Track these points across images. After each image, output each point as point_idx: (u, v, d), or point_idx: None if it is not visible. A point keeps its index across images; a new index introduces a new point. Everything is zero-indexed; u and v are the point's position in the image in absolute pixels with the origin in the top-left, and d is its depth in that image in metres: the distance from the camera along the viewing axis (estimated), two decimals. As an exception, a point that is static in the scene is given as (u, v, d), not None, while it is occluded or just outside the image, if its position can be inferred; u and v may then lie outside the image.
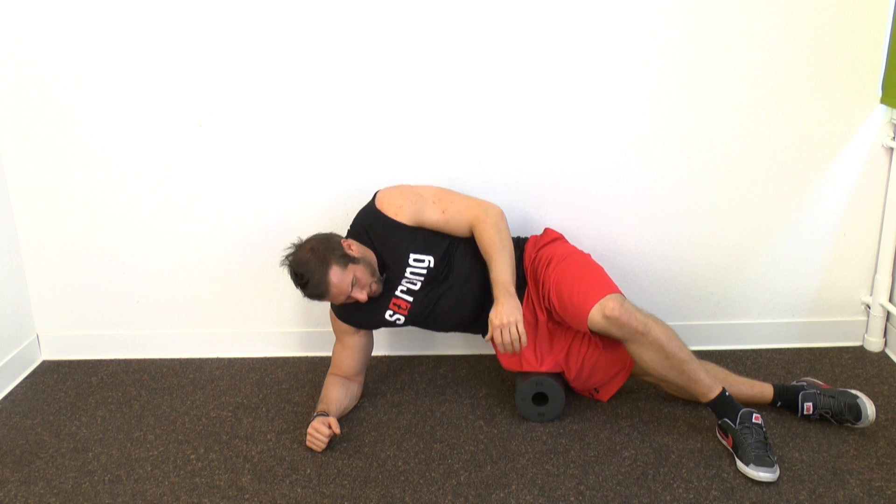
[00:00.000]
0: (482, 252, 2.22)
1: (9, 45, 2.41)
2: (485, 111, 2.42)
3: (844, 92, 2.38)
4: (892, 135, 2.41)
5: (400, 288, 2.25)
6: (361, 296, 2.16)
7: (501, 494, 1.99)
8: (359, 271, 2.14)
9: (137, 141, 2.49)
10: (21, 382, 2.61)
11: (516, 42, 2.35)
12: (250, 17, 2.35)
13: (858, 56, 2.34)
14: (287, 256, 2.18)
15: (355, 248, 2.18)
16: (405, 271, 2.23)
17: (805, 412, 2.19)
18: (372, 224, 2.22)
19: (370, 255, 2.22)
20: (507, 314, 2.05)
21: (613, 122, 2.41)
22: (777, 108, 2.39)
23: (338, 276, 2.11)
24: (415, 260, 2.21)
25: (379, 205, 2.23)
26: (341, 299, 2.17)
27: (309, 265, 2.11)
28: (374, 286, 2.19)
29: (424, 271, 2.23)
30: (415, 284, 2.24)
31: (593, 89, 2.39)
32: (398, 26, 2.34)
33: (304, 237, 2.22)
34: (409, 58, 2.37)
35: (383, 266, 2.24)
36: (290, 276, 2.17)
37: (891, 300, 2.54)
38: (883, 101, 2.38)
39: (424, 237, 2.23)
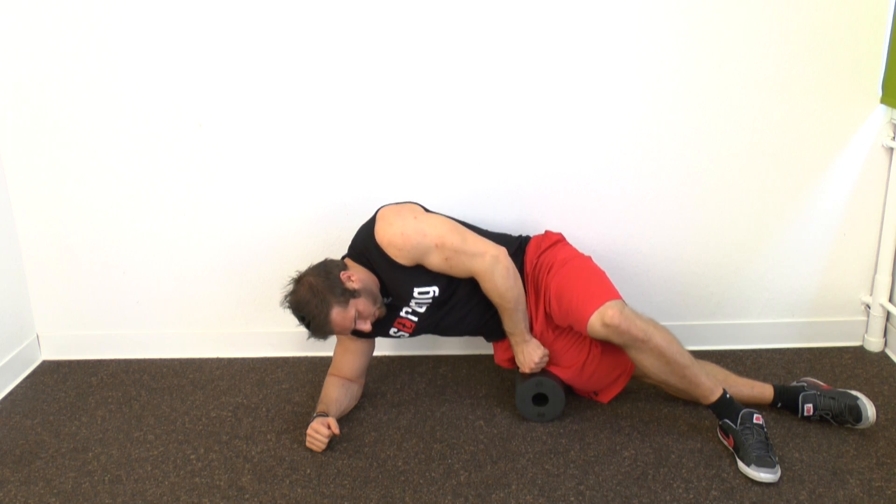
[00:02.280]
0: (493, 303, 2.20)
1: (9, 45, 2.40)
2: (485, 112, 2.42)
3: (844, 92, 2.37)
4: (892, 135, 2.41)
5: (405, 310, 2.24)
6: (365, 326, 2.13)
7: (501, 494, 1.99)
8: (361, 304, 2.10)
9: (137, 141, 2.49)
10: (21, 382, 2.61)
11: (516, 43, 2.35)
12: (251, 17, 2.35)
13: (858, 56, 2.34)
14: (286, 296, 2.14)
15: (356, 279, 2.12)
16: (410, 301, 2.21)
17: (805, 414, 2.19)
18: (371, 252, 2.16)
19: (371, 282, 2.17)
20: (532, 360, 2.23)
21: (613, 123, 2.41)
22: (777, 108, 2.39)
23: (340, 316, 2.08)
24: (420, 293, 2.19)
25: (378, 237, 2.12)
26: (346, 334, 2.17)
27: (309, 306, 2.07)
28: (378, 312, 2.16)
29: (430, 300, 2.21)
30: (420, 307, 2.23)
31: (593, 90, 2.38)
32: (399, 29, 2.34)
33: (300, 260, 2.17)
34: (410, 59, 2.37)
35: (386, 290, 2.21)
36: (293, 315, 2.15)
37: (891, 300, 2.54)
38: (883, 101, 2.38)
39: (427, 270, 2.17)
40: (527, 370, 2.24)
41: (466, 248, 2.14)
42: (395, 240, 2.11)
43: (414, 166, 2.48)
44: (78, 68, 2.42)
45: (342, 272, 2.12)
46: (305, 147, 2.48)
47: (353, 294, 2.09)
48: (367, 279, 2.16)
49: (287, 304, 2.14)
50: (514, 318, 2.20)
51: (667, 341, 2.05)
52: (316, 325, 2.08)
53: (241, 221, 2.56)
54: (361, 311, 2.11)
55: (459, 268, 2.15)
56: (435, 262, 2.13)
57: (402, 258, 2.12)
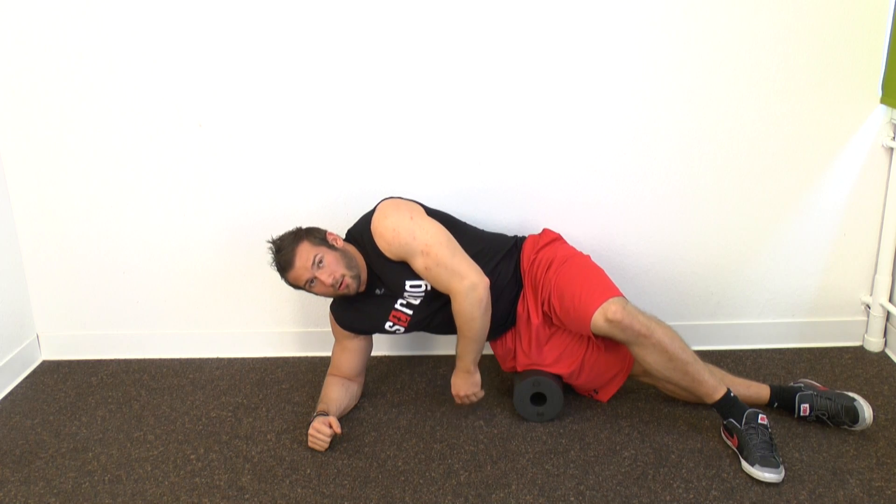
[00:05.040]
0: (456, 324, 2.18)
1: (9, 45, 2.40)
2: (485, 112, 2.42)
3: (844, 92, 2.38)
4: (892, 135, 2.41)
5: (400, 301, 2.25)
6: (326, 278, 2.12)
7: (501, 494, 1.99)
8: (330, 256, 2.14)
9: (137, 141, 2.49)
10: (21, 382, 2.61)
11: (516, 43, 2.35)
12: (251, 17, 2.35)
13: (858, 56, 2.34)
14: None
15: (340, 243, 2.21)
16: (403, 293, 2.22)
17: (802, 413, 2.18)
18: (366, 242, 2.20)
19: (355, 255, 2.20)
20: (464, 389, 2.25)
21: (613, 122, 2.41)
22: (777, 108, 2.39)
23: (306, 251, 2.14)
24: (412, 286, 2.20)
25: (373, 227, 2.17)
26: (305, 275, 2.14)
27: (284, 240, 2.19)
28: (349, 280, 2.15)
29: (423, 294, 2.22)
30: (415, 300, 2.24)
31: (593, 89, 2.38)
32: (399, 28, 2.34)
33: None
34: (410, 59, 2.37)
35: (377, 279, 2.22)
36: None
37: (891, 300, 2.54)
38: (883, 101, 2.38)
39: None
40: (454, 394, 2.26)
41: (450, 264, 2.13)
42: (386, 234, 2.14)
43: (413, 165, 2.48)
44: (78, 68, 2.42)
45: (329, 233, 2.22)
46: (305, 147, 2.48)
47: (329, 246, 2.17)
48: (352, 251, 2.21)
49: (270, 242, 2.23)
50: (469, 347, 2.19)
51: (669, 337, 2.05)
52: (283, 252, 2.15)
53: (241, 221, 2.56)
54: (329, 262, 2.14)
55: (437, 281, 2.15)
56: (418, 266, 2.15)
57: (389, 252, 2.16)
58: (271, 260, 2.21)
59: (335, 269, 2.14)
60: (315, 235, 2.19)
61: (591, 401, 2.35)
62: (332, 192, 2.52)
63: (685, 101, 2.39)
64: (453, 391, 2.26)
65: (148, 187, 2.54)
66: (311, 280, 2.15)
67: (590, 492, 1.98)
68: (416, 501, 1.98)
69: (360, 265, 2.20)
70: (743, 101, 2.38)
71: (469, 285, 2.11)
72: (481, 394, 2.27)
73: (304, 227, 2.24)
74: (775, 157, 2.44)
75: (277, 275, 2.21)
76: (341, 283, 2.15)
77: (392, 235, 2.13)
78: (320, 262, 2.13)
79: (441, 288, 2.16)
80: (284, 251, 2.16)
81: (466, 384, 2.24)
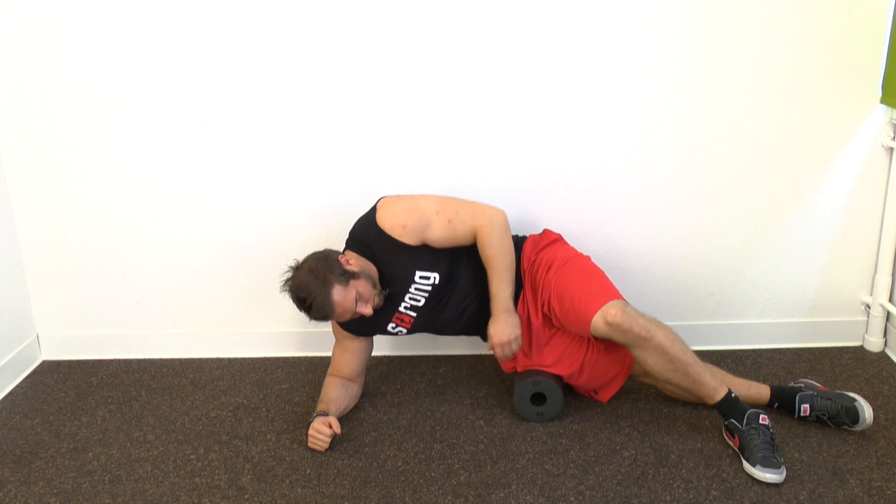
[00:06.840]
0: (484, 262, 2.19)
1: (9, 45, 2.40)
2: (484, 112, 2.42)
3: (844, 92, 2.38)
4: (892, 135, 2.41)
5: (403, 304, 2.24)
6: (367, 310, 2.13)
7: (501, 494, 1.99)
8: (360, 286, 2.11)
9: (137, 141, 2.49)
10: (21, 382, 2.61)
11: (516, 43, 2.35)
12: (251, 17, 2.35)
13: (858, 56, 2.34)
14: (286, 281, 2.14)
15: (354, 263, 2.14)
16: (410, 287, 2.21)
17: (802, 414, 2.18)
18: (374, 240, 2.18)
19: (370, 268, 2.18)
20: (506, 332, 2.14)
21: (613, 123, 2.41)
22: (777, 108, 2.39)
23: (341, 295, 2.07)
24: (421, 277, 2.19)
25: (381, 222, 2.16)
26: (347, 317, 2.15)
27: (310, 287, 2.07)
28: (377, 298, 2.16)
29: (430, 288, 2.21)
30: (418, 301, 2.23)
31: (593, 89, 2.38)
32: (398, 29, 2.34)
33: (301, 258, 2.17)
34: (409, 59, 2.37)
35: (385, 281, 2.21)
36: (292, 301, 2.13)
37: (891, 300, 2.54)
38: (883, 101, 2.38)
39: (429, 253, 2.20)
40: (495, 343, 2.13)
41: (465, 209, 2.20)
42: (400, 218, 2.15)
43: (414, 165, 2.48)
44: (78, 68, 2.42)
45: (340, 256, 2.15)
46: (304, 146, 2.48)
47: (353, 275, 2.11)
48: (365, 265, 2.17)
49: (287, 289, 2.14)
50: (505, 279, 2.17)
51: (669, 339, 2.05)
52: (318, 305, 2.08)
53: (241, 221, 2.56)
54: (362, 292, 2.11)
55: (461, 229, 2.18)
56: (439, 231, 2.16)
57: (408, 236, 2.15)
58: (281, 289, 2.15)
59: (368, 295, 2.12)
60: (335, 270, 2.09)
61: (591, 401, 2.35)
62: (332, 192, 2.52)
63: (685, 102, 2.39)
64: (496, 340, 2.13)
65: (148, 187, 2.54)
66: (351, 316, 2.15)
67: (590, 492, 1.98)
68: (416, 501, 1.98)
69: (375, 275, 2.18)
70: (743, 101, 2.38)
71: (489, 217, 2.18)
72: (521, 338, 2.16)
73: (312, 260, 2.13)
74: (775, 157, 2.44)
75: (277, 274, 2.21)
76: (374, 304, 2.16)
77: (405, 217, 2.15)
78: (357, 299, 2.11)
79: (465, 237, 2.19)
80: (319, 305, 2.06)
81: (509, 326, 2.13)
